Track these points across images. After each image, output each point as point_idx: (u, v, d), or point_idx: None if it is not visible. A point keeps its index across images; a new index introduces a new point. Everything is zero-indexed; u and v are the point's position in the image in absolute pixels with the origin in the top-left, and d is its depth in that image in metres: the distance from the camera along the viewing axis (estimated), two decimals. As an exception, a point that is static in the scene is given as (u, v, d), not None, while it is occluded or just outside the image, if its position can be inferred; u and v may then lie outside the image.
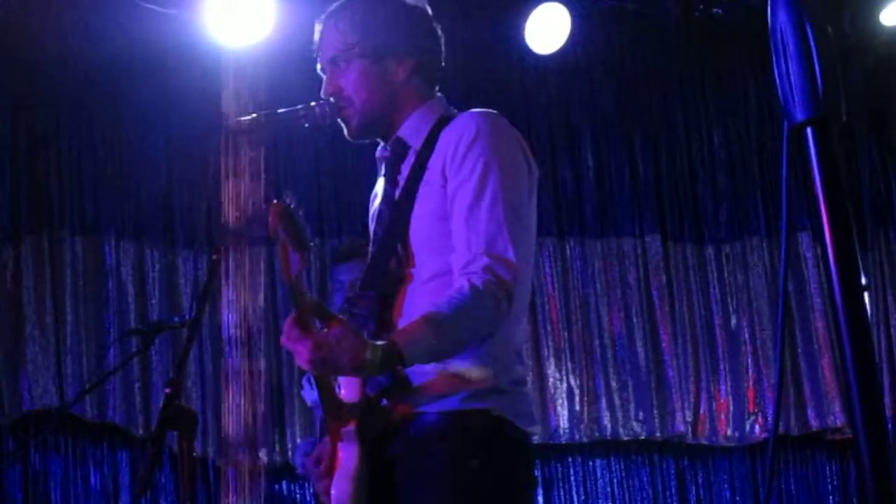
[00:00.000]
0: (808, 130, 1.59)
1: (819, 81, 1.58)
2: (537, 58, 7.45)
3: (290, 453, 6.83)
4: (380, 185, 3.23)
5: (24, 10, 6.54)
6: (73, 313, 6.79)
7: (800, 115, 1.60)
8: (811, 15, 1.58)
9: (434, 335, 2.78)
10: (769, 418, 7.73)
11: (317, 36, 3.19)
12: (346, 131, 3.14)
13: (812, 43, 1.57)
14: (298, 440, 6.82)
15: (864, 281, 1.60)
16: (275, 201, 2.83)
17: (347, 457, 2.88)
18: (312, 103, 3.10)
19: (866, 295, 1.60)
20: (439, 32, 3.22)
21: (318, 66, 3.19)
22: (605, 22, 7.80)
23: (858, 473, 1.47)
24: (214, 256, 3.54)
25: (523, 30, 7.27)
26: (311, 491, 6.84)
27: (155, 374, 6.83)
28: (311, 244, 2.87)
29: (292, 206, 2.84)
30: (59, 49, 6.80)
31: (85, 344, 6.78)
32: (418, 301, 2.92)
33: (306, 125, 3.11)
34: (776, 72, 1.61)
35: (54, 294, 6.78)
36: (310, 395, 5.07)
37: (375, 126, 3.15)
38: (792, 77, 1.59)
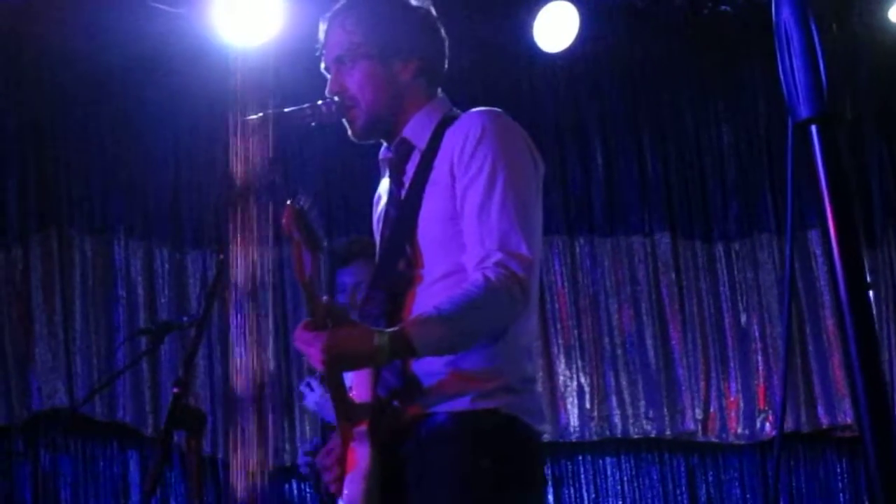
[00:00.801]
0: (813, 127, 1.59)
1: (823, 78, 1.57)
2: (546, 56, 7.44)
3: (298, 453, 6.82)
4: (383, 187, 3.24)
5: (32, 10, 6.55)
6: (82, 313, 6.80)
7: (804, 112, 1.59)
8: (815, 11, 1.57)
9: (444, 325, 2.78)
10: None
11: (321, 35, 3.19)
12: (350, 131, 3.14)
13: (816, 39, 1.57)
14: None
15: (868, 278, 1.59)
16: (289, 202, 2.84)
17: (360, 457, 2.88)
18: (319, 102, 3.10)
19: (871, 292, 1.60)
20: (443, 33, 3.22)
21: (322, 65, 3.19)
22: (613, 19, 7.78)
23: (866, 471, 1.46)
24: (221, 256, 3.55)
25: (532, 28, 7.26)
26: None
27: (164, 374, 6.83)
28: (324, 245, 2.88)
29: (306, 207, 2.85)
30: (67, 49, 6.81)
31: (94, 343, 6.79)
32: (428, 301, 2.91)
33: (313, 124, 3.11)
34: (780, 68, 1.60)
35: (63, 294, 6.78)
36: (311, 398, 5.06)
37: (380, 126, 3.14)
38: (796, 74, 1.58)
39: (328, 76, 3.16)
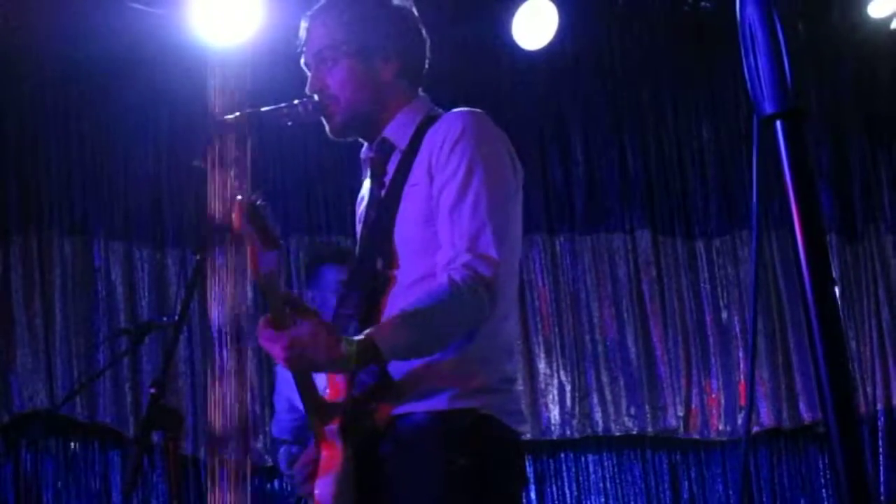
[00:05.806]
0: (778, 123, 1.59)
1: (788, 74, 1.57)
2: (525, 54, 7.43)
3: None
4: (365, 188, 3.23)
5: (9, 9, 6.53)
6: (62, 314, 6.78)
7: (769, 108, 1.59)
8: (779, 7, 1.57)
9: (411, 330, 2.77)
10: (761, 412, 7.74)
11: (303, 33, 3.18)
12: (327, 128, 3.13)
13: (781, 35, 1.57)
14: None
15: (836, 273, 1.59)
16: (239, 198, 2.79)
17: (331, 456, 2.87)
18: (296, 101, 3.09)
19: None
20: (425, 35, 3.22)
21: (302, 61, 3.18)
22: (593, 17, 7.79)
23: (832, 465, 1.46)
24: (198, 256, 3.54)
25: (511, 26, 7.26)
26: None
27: (145, 375, 6.81)
28: (281, 242, 2.83)
29: (259, 202, 2.79)
30: (46, 48, 6.79)
31: (75, 345, 6.76)
32: (403, 302, 2.89)
33: (290, 123, 3.09)
34: (745, 65, 1.61)
35: (44, 295, 6.76)
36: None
37: (359, 125, 3.14)
38: (761, 69, 1.59)
39: (308, 73, 3.15)
